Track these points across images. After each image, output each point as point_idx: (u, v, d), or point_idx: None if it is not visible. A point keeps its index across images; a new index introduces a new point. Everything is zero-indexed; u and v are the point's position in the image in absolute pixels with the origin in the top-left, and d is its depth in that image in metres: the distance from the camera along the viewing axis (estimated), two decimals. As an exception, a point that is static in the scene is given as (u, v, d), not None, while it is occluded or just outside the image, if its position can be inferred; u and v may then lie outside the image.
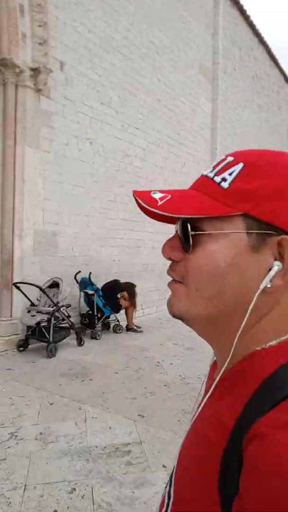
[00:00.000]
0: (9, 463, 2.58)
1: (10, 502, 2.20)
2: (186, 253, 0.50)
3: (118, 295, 6.28)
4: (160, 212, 0.49)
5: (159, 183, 8.14)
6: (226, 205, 0.47)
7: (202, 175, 0.53)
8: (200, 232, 0.49)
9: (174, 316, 0.53)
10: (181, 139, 9.07)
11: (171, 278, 0.54)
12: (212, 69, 10.38)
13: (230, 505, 0.39)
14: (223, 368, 0.50)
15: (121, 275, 6.90)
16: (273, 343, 0.48)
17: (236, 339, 0.48)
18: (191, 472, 0.47)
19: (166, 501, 0.52)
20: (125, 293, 6.35)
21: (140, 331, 6.49)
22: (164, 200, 0.50)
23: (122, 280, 6.57)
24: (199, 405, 0.54)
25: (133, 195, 0.52)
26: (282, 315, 0.49)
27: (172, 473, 0.54)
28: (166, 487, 0.54)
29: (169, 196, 0.50)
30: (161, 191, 0.52)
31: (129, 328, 6.53)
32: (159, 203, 0.49)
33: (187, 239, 0.49)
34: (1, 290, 5.35)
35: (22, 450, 2.74)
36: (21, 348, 5.11)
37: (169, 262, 0.54)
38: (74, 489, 2.33)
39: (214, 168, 0.52)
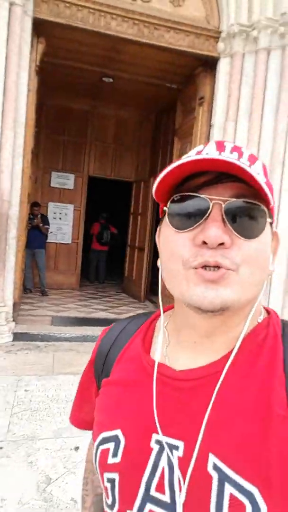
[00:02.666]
0: None
1: None
2: (242, 239, 0.48)
3: None
4: (265, 188, 0.47)
5: None
6: (271, 196, 0.51)
7: (229, 161, 0.47)
8: (270, 220, 0.52)
9: (218, 309, 0.48)
10: None
11: (216, 267, 0.48)
12: None
13: None
14: (238, 344, 0.52)
15: None
16: (261, 317, 0.57)
17: (249, 317, 0.53)
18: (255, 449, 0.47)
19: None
20: None
21: None
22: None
23: None
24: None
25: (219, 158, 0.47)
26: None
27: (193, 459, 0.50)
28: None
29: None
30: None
31: None
32: (257, 177, 0.47)
33: (259, 223, 0.49)
34: None
35: None
36: None
37: None
38: None
39: (236, 154, 0.52)
